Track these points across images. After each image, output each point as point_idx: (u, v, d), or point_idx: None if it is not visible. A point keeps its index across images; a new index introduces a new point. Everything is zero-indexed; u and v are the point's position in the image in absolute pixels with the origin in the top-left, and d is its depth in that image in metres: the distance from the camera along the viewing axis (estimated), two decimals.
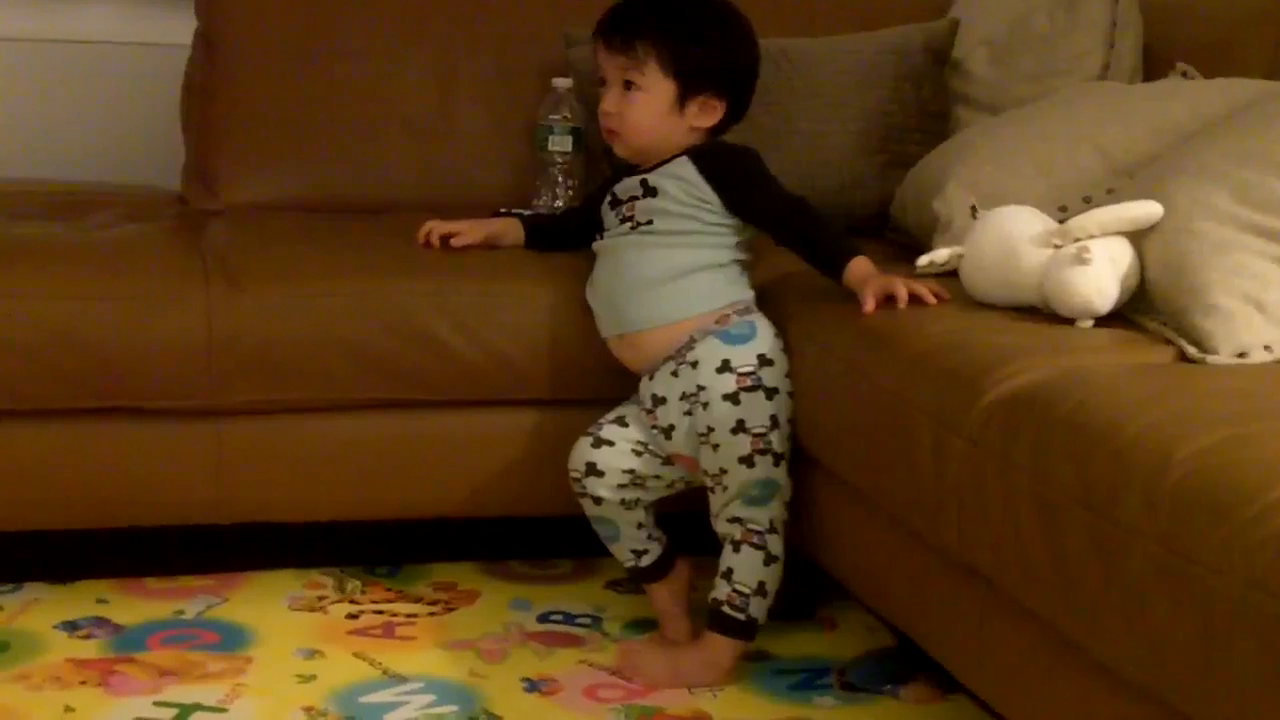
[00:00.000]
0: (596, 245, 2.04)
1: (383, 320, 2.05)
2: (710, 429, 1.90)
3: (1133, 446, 1.31)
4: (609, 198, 2.03)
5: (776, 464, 1.92)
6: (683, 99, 1.95)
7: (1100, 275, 1.68)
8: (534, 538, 2.33)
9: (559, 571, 2.29)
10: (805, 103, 2.49)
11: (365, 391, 2.07)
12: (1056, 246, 1.72)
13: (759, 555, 1.92)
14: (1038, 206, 1.96)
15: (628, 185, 2.00)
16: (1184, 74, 2.32)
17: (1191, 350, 1.60)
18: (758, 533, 1.92)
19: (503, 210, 2.40)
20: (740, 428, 1.90)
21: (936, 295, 1.81)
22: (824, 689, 1.92)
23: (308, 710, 1.81)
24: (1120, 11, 2.47)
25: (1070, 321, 1.69)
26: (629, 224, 1.98)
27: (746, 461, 1.90)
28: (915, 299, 1.80)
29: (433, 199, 2.56)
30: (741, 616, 1.92)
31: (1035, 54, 2.52)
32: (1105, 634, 1.31)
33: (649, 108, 1.95)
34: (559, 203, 2.49)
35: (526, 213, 2.39)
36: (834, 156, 2.46)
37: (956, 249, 1.84)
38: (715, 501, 1.95)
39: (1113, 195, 1.98)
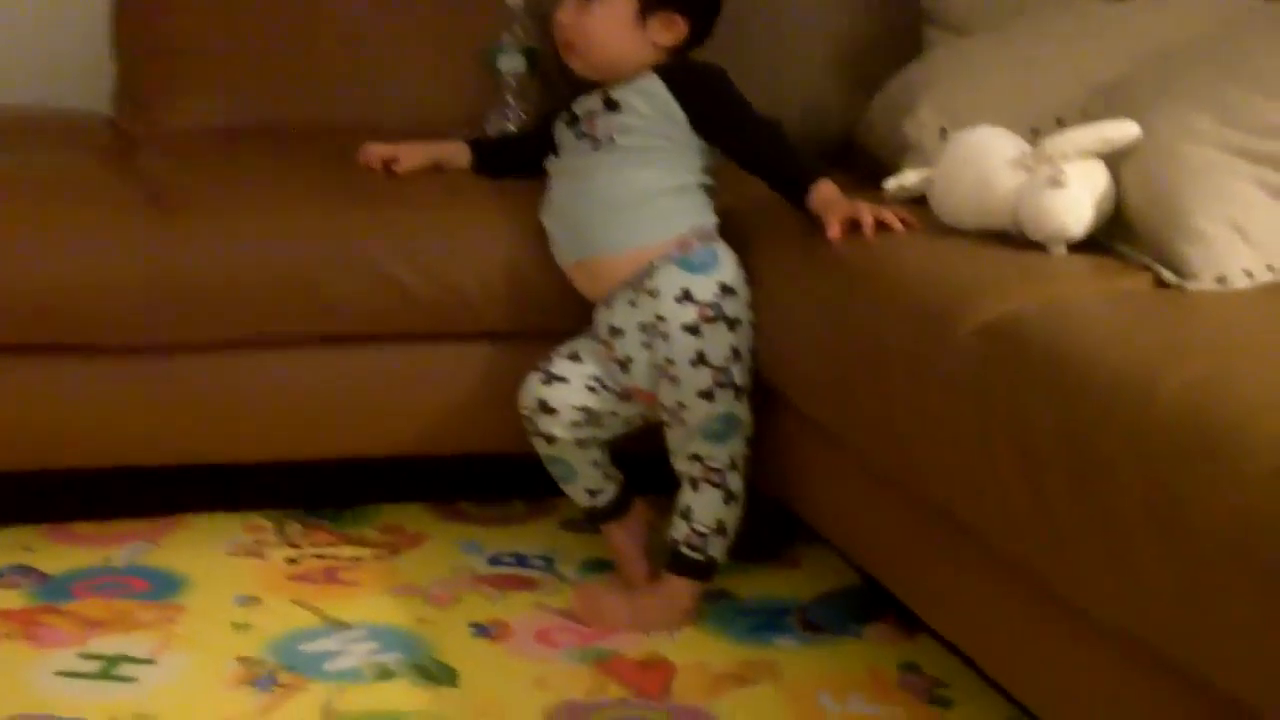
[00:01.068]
0: (552, 165, 1.93)
1: (325, 251, 1.95)
2: (670, 361, 1.82)
3: (1114, 380, 1.24)
4: (565, 115, 1.93)
5: (737, 398, 1.84)
6: (644, 13, 1.84)
7: (1075, 199, 1.59)
8: (485, 477, 2.24)
9: (511, 512, 2.20)
10: (766, 21, 2.38)
11: (308, 326, 1.97)
12: (1030, 170, 1.64)
13: (718, 494, 1.85)
14: (1010, 129, 1.88)
15: (588, 102, 1.90)
16: None
17: (1168, 275, 1.51)
18: (717, 470, 1.84)
19: (451, 133, 2.29)
20: (701, 360, 1.81)
21: (904, 221, 1.72)
22: (785, 629, 1.85)
23: (243, 661, 1.72)
24: None
25: (1044, 247, 1.61)
26: (588, 142, 1.88)
27: (706, 396, 1.82)
28: (882, 226, 1.71)
29: (376, 122, 2.42)
30: (700, 557, 1.85)
31: None
32: (1086, 577, 1.24)
33: (608, 20, 1.84)
34: (510, 127, 2.38)
35: (475, 134, 2.28)
36: (797, 78, 2.36)
37: (926, 172, 1.75)
38: (673, 437, 1.86)
39: (1086, 116, 1.90)
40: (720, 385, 1.82)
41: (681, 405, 1.83)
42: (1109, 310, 1.39)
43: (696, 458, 1.85)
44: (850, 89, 2.35)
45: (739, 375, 1.83)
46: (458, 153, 2.10)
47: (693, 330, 1.81)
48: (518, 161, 2.07)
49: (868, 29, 2.39)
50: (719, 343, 1.82)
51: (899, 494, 1.59)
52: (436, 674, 1.69)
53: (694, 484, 1.85)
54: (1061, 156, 1.62)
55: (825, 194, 1.78)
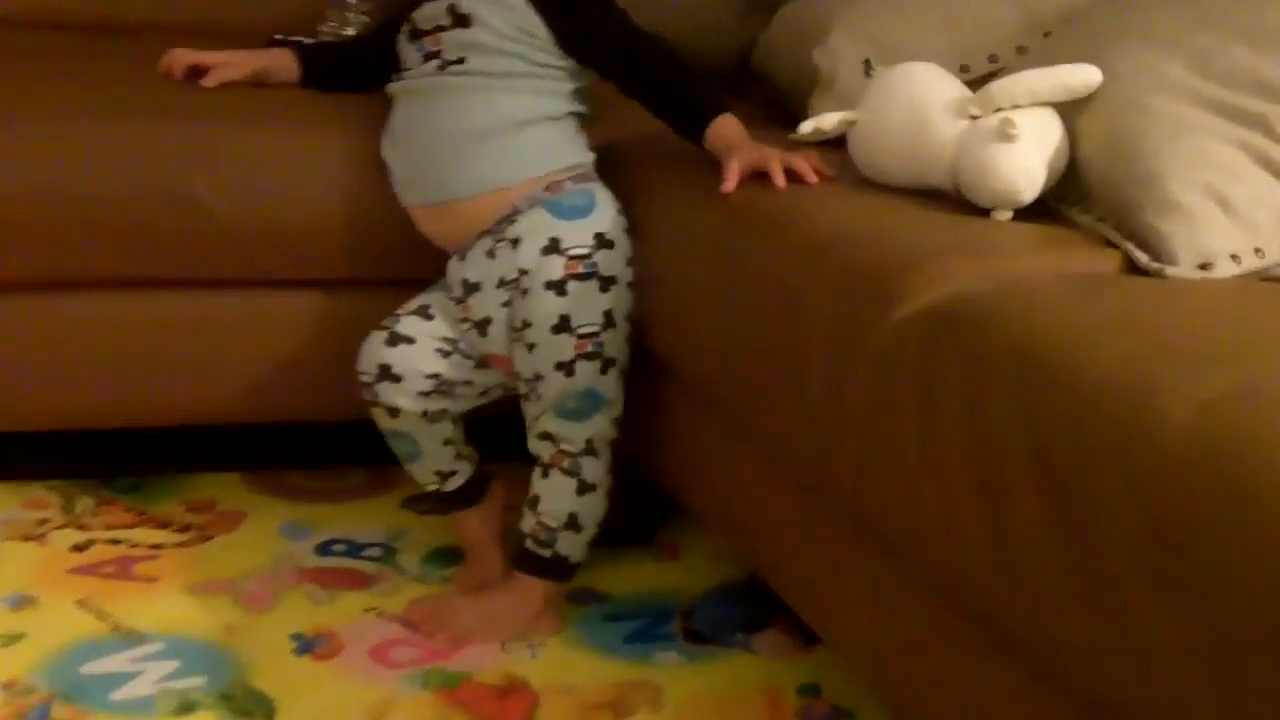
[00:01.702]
0: (393, 87, 1.62)
1: (124, 176, 1.61)
2: (527, 324, 1.54)
3: (1107, 391, 0.99)
4: (408, 26, 1.61)
5: (604, 371, 1.56)
6: None
7: (1027, 155, 1.34)
8: (316, 440, 1.94)
9: (346, 484, 1.91)
10: None
11: (104, 266, 1.64)
12: (974, 118, 1.39)
13: (570, 483, 1.57)
14: (938, 61, 1.62)
15: (431, 11, 1.58)
16: None
17: (1143, 258, 1.27)
18: (571, 455, 1.57)
19: (278, 38, 1.97)
20: (564, 326, 1.53)
21: (819, 172, 1.45)
22: (666, 640, 1.59)
23: (9, 688, 1.40)
24: None
25: (986, 211, 1.36)
26: (435, 62, 1.57)
27: (566, 368, 1.54)
28: (793, 176, 1.44)
29: (190, 21, 2.12)
30: (546, 554, 1.58)
31: None
32: (1065, 635, 1.00)
33: None
34: (350, 30, 2.06)
35: (307, 41, 1.96)
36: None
37: (847, 114, 1.48)
38: (528, 412, 1.59)
39: (1024, 55, 1.66)
40: (585, 356, 1.54)
41: (538, 377, 1.55)
42: (1082, 298, 1.14)
43: (549, 437, 1.57)
44: (748, 5, 2.09)
45: (610, 345, 1.56)
46: (284, 62, 1.76)
47: (558, 288, 1.53)
48: (355, 74, 1.74)
49: None
50: (589, 305, 1.54)
51: (811, 498, 1.34)
52: (249, 706, 1.40)
53: (544, 470, 1.58)
54: (1010, 103, 1.37)
55: (726, 132, 1.50)
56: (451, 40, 1.56)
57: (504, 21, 1.54)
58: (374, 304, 1.67)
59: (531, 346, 1.54)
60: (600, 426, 1.58)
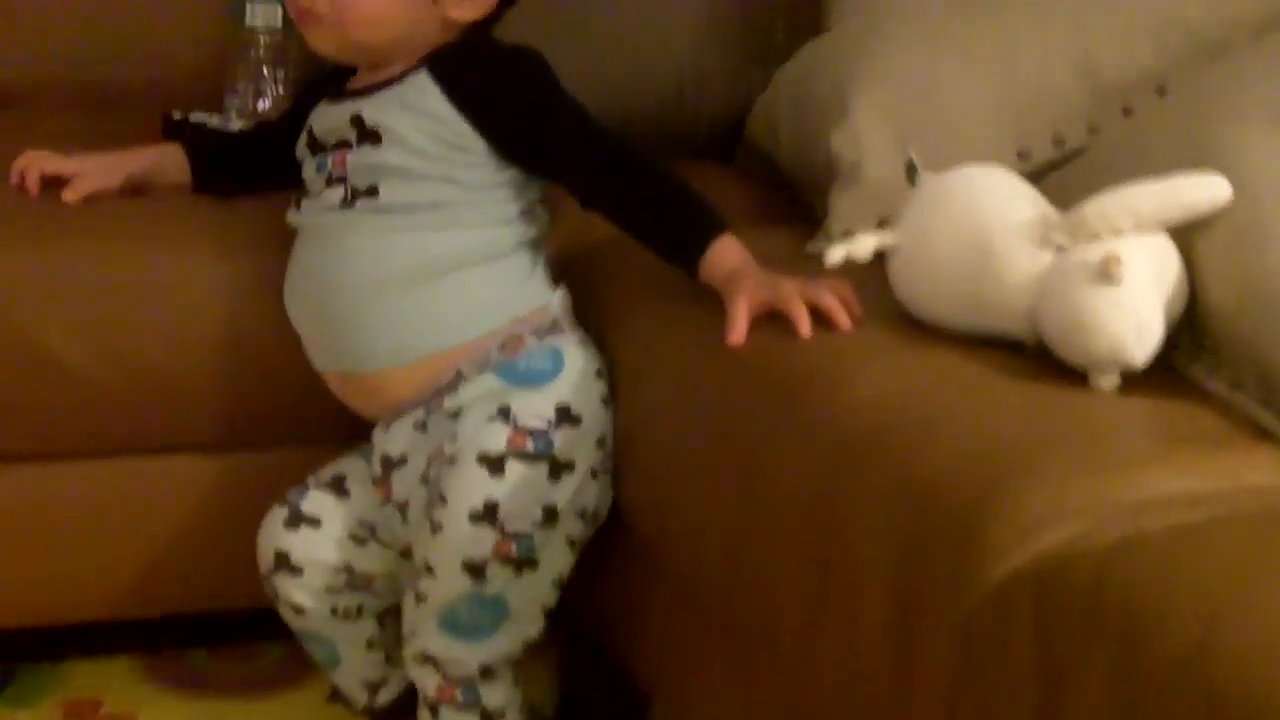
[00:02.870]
0: (292, 218, 1.26)
1: None
2: (442, 498, 1.16)
3: None
4: (306, 136, 1.25)
5: (518, 573, 1.18)
6: None
7: (1138, 304, 0.99)
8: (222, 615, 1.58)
9: (262, 668, 1.54)
10: None
11: None
12: (1061, 248, 1.03)
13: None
14: (989, 146, 1.29)
15: (331, 121, 1.22)
16: None
17: None
18: (465, 683, 1.21)
19: (175, 116, 1.61)
20: (488, 516, 1.16)
21: (850, 309, 1.10)
22: None
23: None
24: None
25: (1081, 373, 1.01)
26: (339, 190, 1.20)
27: (474, 571, 1.17)
28: (816, 316, 1.09)
29: (69, 86, 1.76)
30: None
31: None
32: None
33: None
34: (264, 103, 1.69)
35: (209, 120, 1.60)
36: (667, 46, 1.73)
37: (886, 236, 1.12)
38: (405, 615, 1.22)
39: (1099, 137, 1.31)
40: (504, 560, 1.17)
41: (430, 569, 1.18)
42: (1266, 562, 0.79)
43: (430, 661, 1.21)
44: (740, 61, 1.73)
45: (542, 548, 1.18)
46: (170, 162, 1.39)
47: (494, 465, 1.16)
48: (262, 173, 1.38)
49: None
50: (527, 497, 1.17)
51: None
52: None
53: (433, 710, 1.22)
54: (1110, 229, 1.02)
55: (728, 261, 1.15)
56: (359, 163, 1.19)
57: (426, 136, 1.18)
58: (282, 467, 1.32)
59: (437, 529, 1.17)
60: (502, 646, 1.21)
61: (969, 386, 1.00)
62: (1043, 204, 1.08)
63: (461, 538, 1.16)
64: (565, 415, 1.18)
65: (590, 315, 1.27)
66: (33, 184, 1.33)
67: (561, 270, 1.30)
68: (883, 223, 1.29)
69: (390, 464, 1.21)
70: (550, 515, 1.18)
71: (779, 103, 1.56)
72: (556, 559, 1.20)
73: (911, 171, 1.13)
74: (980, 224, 1.07)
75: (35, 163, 1.34)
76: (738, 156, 1.70)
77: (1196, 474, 0.89)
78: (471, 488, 1.16)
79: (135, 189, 1.36)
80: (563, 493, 1.18)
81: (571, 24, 1.68)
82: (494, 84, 1.19)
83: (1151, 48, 1.32)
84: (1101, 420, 0.96)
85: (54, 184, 1.34)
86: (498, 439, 1.16)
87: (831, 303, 1.09)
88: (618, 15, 1.72)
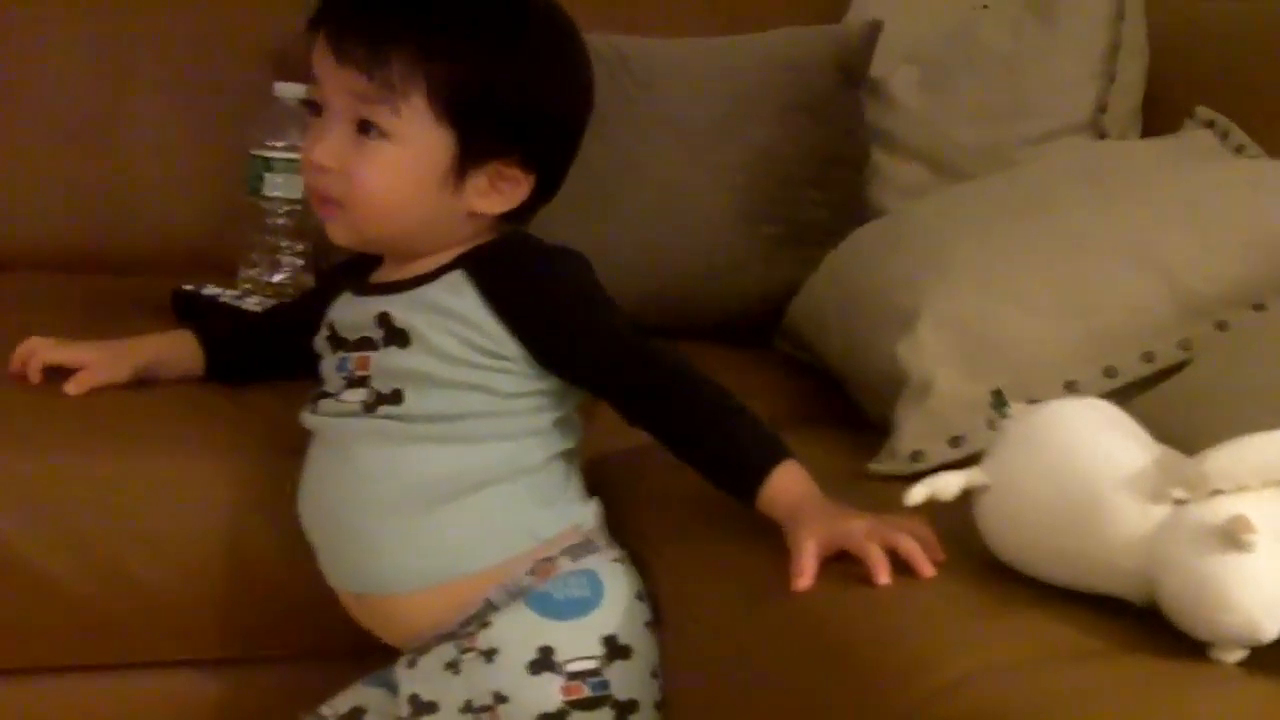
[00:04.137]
0: (306, 420, 1.15)
1: None
2: None
3: None
4: (327, 331, 1.15)
5: None
6: (463, 163, 1.08)
7: (1271, 575, 0.88)
8: None
9: None
10: (655, 136, 1.67)
11: None
12: (1177, 504, 0.92)
13: None
14: (1071, 360, 1.20)
15: (356, 317, 1.12)
16: (1215, 128, 1.54)
17: None
18: None
19: (186, 289, 1.52)
20: None
21: (930, 552, 0.99)
22: None
23: None
24: (1126, 27, 1.68)
25: (1201, 644, 0.90)
26: (361, 393, 1.10)
27: None
28: (898, 561, 0.98)
29: (77, 251, 1.70)
30: None
31: (990, 81, 1.73)
32: None
33: (400, 170, 1.07)
34: (280, 276, 1.61)
35: (221, 295, 1.50)
36: (700, 222, 1.65)
37: (974, 475, 1.01)
38: None
39: (1190, 353, 1.21)
40: None
41: None
42: None
43: None
44: (775, 241, 1.65)
45: None
46: (182, 350, 1.29)
47: None
48: (276, 360, 1.29)
49: (798, 151, 1.68)
50: None
51: None
52: None
53: None
54: (1234, 486, 0.91)
55: (790, 493, 1.04)
56: (383, 365, 1.09)
57: (458, 341, 1.07)
58: (288, 684, 1.22)
59: None
60: None
61: (1081, 658, 0.88)
62: (1151, 446, 0.97)
63: None
64: (614, 647, 1.07)
65: (628, 534, 1.16)
66: (34, 374, 1.23)
67: (594, 476, 1.19)
68: (954, 441, 1.19)
69: (420, 706, 1.08)
70: None
71: (827, 292, 1.47)
72: None
73: (999, 402, 1.03)
74: (1081, 470, 0.95)
75: (39, 351, 1.23)
76: (775, 341, 1.62)
77: None
78: None
79: (144, 378, 1.26)
80: None
81: (598, 201, 1.61)
82: (533, 290, 1.09)
83: (1241, 260, 1.23)
84: (1234, 706, 0.84)
85: (55, 372, 1.24)
86: (550, 695, 1.05)
87: (911, 547, 0.98)
88: (646, 192, 1.64)
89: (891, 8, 1.88)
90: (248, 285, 1.58)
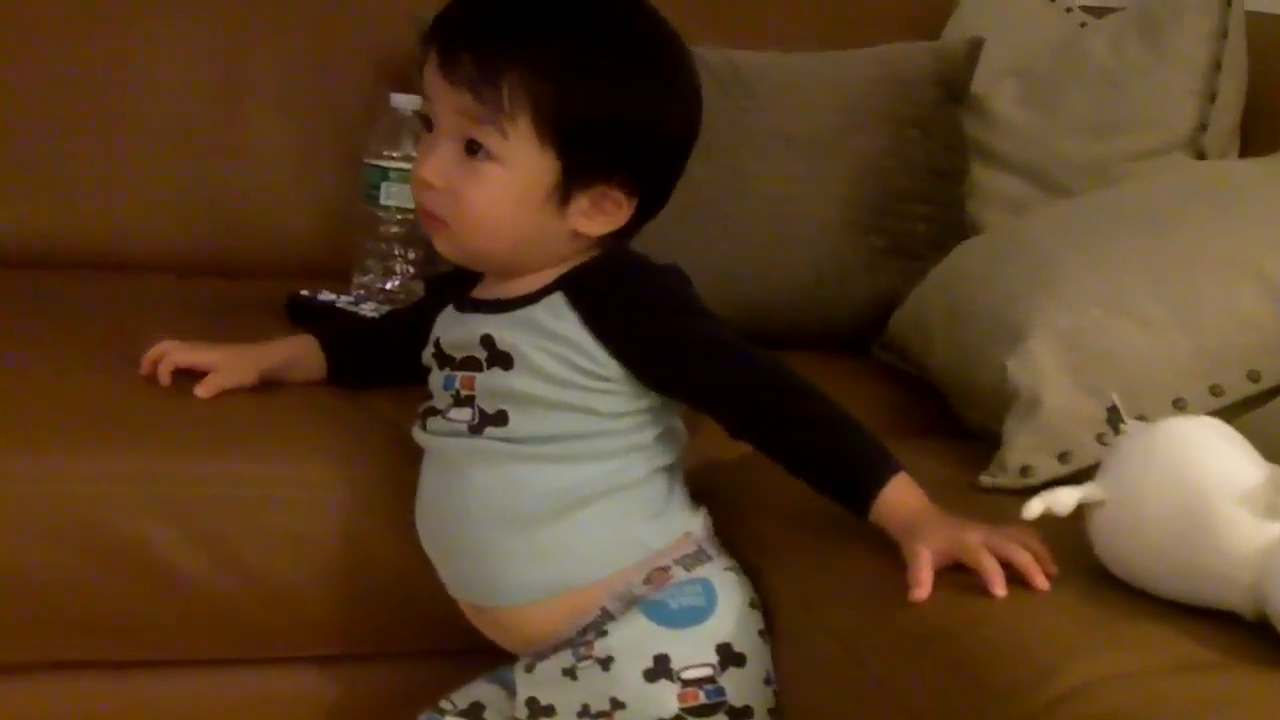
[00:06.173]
0: (419, 437, 1.18)
1: (53, 526, 1.17)
2: None
3: None
4: (433, 347, 1.18)
5: None
6: (567, 186, 1.09)
7: None
8: None
9: None
10: (765, 149, 1.68)
11: (29, 649, 1.21)
12: None
13: None
14: (1180, 377, 1.21)
15: (460, 336, 1.14)
16: None
17: None
18: None
19: (303, 294, 1.56)
20: None
21: (1042, 563, 1.00)
22: None
23: None
24: (1228, 46, 1.69)
25: None
26: (467, 413, 1.13)
27: None
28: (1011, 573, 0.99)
29: (195, 256, 1.75)
30: None
31: (1093, 97, 1.74)
32: None
33: (505, 193, 1.08)
34: (393, 284, 1.65)
35: (336, 300, 1.54)
36: (807, 232, 1.67)
37: (1090, 490, 1.03)
38: None
39: None
40: None
41: None
42: None
43: None
44: (881, 252, 1.67)
45: None
46: (305, 354, 1.32)
47: None
48: (396, 367, 1.30)
49: (904, 164, 1.71)
50: None
51: None
52: None
53: None
54: None
55: (904, 505, 1.05)
56: (488, 386, 1.11)
57: (561, 364, 1.09)
58: (407, 680, 1.25)
59: None
60: None
61: (1198, 669, 0.90)
62: (1264, 464, 0.98)
63: None
64: (729, 655, 1.09)
65: (739, 544, 1.18)
66: (165, 376, 1.27)
67: (702, 484, 1.22)
68: (1063, 457, 1.21)
69: (538, 709, 1.11)
70: None
71: (934, 304, 1.48)
72: None
73: (1115, 418, 1.04)
74: (1196, 485, 0.97)
75: (170, 353, 1.27)
76: (873, 351, 1.64)
77: None
78: None
79: (269, 381, 1.30)
80: None
81: (706, 210, 1.63)
82: (632, 311, 1.11)
83: None
84: None
85: (184, 374, 1.28)
86: (667, 702, 1.07)
87: (1025, 559, 1.00)
88: (754, 203, 1.66)
89: (988, 25, 1.90)
90: (361, 291, 1.63)
